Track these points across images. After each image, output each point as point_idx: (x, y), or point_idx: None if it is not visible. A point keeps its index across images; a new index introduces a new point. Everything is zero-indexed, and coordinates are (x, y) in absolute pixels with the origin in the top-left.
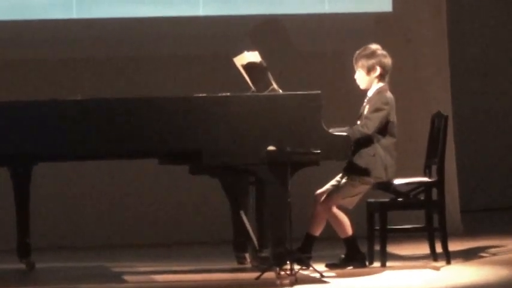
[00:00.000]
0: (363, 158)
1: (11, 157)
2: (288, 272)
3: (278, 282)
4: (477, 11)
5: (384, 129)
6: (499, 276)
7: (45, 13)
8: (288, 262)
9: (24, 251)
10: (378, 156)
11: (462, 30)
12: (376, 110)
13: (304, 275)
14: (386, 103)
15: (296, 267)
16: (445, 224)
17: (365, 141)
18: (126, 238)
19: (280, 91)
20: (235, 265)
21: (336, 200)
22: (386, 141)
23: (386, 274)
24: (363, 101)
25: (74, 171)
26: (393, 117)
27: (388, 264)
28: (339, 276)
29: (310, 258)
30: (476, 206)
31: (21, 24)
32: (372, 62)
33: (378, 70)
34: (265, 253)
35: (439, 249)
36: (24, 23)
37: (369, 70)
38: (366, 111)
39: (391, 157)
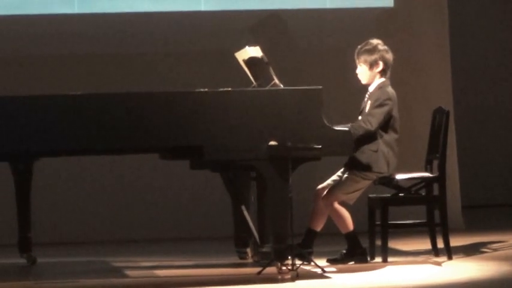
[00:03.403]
0: (365, 154)
1: (12, 152)
2: (290, 267)
3: (279, 277)
4: (479, 6)
5: (386, 125)
6: (501, 272)
7: (46, 8)
8: (289, 257)
9: (25, 245)
10: (380, 152)
11: (464, 26)
12: (379, 105)
13: (305, 270)
14: (389, 98)
15: (297, 262)
16: (446, 219)
17: (368, 138)
18: (128, 233)
19: (282, 86)
20: (236, 260)
21: (337, 196)
22: (389, 137)
23: (388, 269)
24: (364, 96)
25: (75, 166)
26: (396, 113)
27: (389, 259)
28: (340, 271)
29: (311, 253)
30: (478, 202)
31: (22, 19)
32: (374, 57)
33: (381, 65)
34: (267, 248)
35: (440, 244)
36: (25, 17)
37: (371, 65)
38: (367, 106)
39: (393, 153)
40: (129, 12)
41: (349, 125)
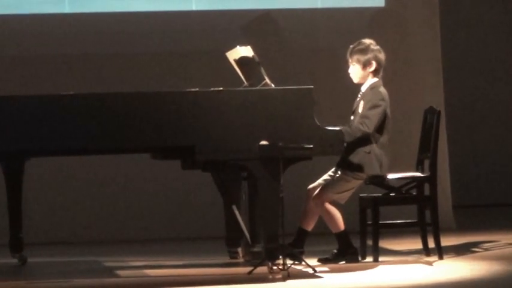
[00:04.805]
0: (358, 155)
1: (3, 152)
2: (281, 267)
3: (270, 277)
4: (470, 4)
5: (380, 126)
6: (491, 272)
7: (37, 8)
8: (280, 257)
9: (16, 245)
10: (373, 154)
11: (455, 25)
12: (373, 106)
13: (296, 269)
14: (382, 99)
15: (288, 262)
16: (437, 219)
17: (361, 140)
18: (119, 233)
19: (273, 86)
20: (227, 260)
21: (328, 195)
22: (383, 138)
23: (379, 269)
24: (356, 96)
25: (66, 166)
26: (388, 113)
27: (380, 259)
28: (331, 271)
29: (302, 253)
30: (469, 202)
31: (13, 19)
32: (367, 56)
33: (374, 65)
34: (258, 248)
35: (431, 244)
36: (15, 17)
37: (365, 65)
38: (360, 106)
39: (386, 154)
40: (120, 12)
41: (344, 127)
